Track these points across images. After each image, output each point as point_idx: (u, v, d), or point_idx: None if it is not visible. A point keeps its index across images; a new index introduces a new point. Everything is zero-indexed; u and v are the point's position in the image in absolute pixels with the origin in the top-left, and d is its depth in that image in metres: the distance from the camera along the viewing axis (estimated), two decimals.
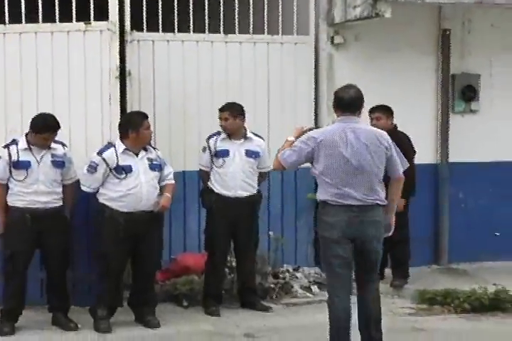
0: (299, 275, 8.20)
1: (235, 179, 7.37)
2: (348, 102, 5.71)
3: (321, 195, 5.77)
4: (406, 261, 8.27)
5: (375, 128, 5.91)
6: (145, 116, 7.01)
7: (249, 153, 7.41)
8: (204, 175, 7.55)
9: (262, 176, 7.66)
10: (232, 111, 7.36)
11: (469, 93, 9.07)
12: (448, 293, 7.60)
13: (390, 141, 5.76)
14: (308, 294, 7.99)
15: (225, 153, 7.38)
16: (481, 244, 8.89)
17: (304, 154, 5.70)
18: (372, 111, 7.92)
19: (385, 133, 5.79)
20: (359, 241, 5.68)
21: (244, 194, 7.41)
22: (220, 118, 7.37)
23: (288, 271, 8.15)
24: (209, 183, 7.46)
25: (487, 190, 8.96)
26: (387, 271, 8.28)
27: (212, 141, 7.42)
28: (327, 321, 6.98)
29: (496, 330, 6.97)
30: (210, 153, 7.42)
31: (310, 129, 6.05)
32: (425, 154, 8.60)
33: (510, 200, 9.11)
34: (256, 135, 7.54)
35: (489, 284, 7.78)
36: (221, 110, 7.39)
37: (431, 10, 8.79)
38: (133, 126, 6.88)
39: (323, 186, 5.74)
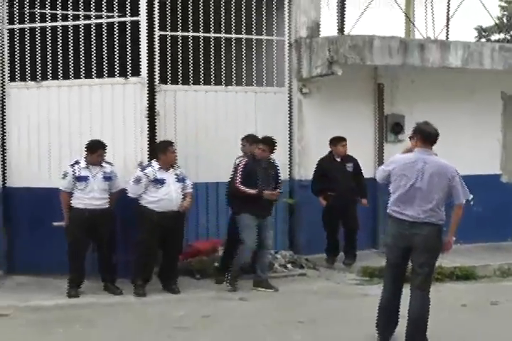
0: (278, 256, 8.35)
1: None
2: (433, 137, 5.38)
3: (389, 208, 5.51)
4: (355, 245, 8.37)
5: (444, 162, 5.37)
6: (170, 144, 7.38)
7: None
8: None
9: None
10: (265, 144, 7.42)
11: (397, 128, 9.32)
12: (383, 268, 7.60)
13: (455, 174, 5.32)
14: (284, 270, 8.14)
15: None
16: None
17: (384, 175, 5.54)
18: (338, 141, 8.29)
19: (451, 167, 5.35)
20: (411, 250, 5.34)
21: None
22: (258, 148, 7.45)
23: (271, 253, 8.10)
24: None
25: None
26: (341, 254, 8.44)
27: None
28: (298, 288, 7.41)
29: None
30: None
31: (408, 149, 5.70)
32: (367, 172, 8.64)
33: None
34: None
35: None
36: (257, 142, 7.49)
37: (369, 69, 9.09)
38: (162, 151, 7.29)
39: (390, 201, 5.49)
